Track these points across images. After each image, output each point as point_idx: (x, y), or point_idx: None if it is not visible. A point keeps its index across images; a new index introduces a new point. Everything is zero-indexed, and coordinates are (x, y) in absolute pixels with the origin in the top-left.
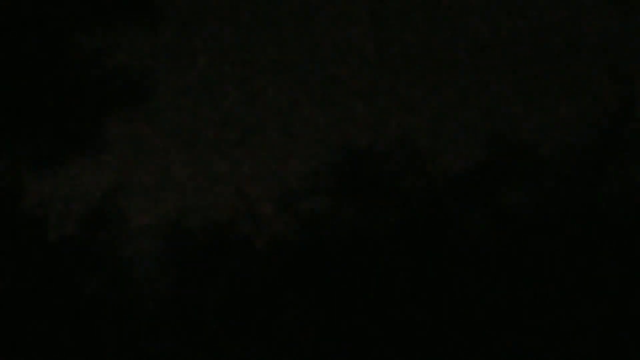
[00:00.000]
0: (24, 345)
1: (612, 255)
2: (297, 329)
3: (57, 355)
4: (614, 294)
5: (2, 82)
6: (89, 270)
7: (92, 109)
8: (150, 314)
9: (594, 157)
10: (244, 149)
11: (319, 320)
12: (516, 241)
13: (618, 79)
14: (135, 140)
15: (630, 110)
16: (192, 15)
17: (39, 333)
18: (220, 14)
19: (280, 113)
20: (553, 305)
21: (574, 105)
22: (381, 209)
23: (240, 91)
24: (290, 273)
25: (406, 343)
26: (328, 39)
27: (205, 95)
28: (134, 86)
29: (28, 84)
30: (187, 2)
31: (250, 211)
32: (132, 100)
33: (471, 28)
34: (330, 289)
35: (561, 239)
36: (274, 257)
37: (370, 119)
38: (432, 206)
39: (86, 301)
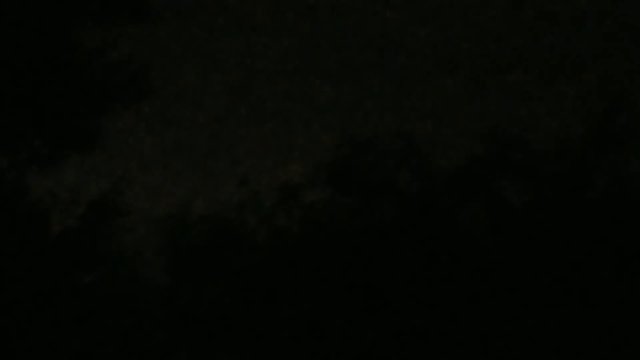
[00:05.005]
0: (25, 333)
1: (606, 247)
2: (295, 323)
3: (55, 344)
4: (608, 287)
5: (3, 80)
6: (89, 262)
7: (94, 105)
8: (148, 307)
9: (586, 151)
10: (245, 143)
11: (315, 314)
12: (513, 234)
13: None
14: (137, 135)
15: (620, 106)
16: (192, 14)
17: (39, 322)
18: (218, 15)
19: (281, 107)
20: (551, 299)
21: (566, 100)
22: (379, 202)
23: (240, 87)
24: (290, 267)
25: (403, 338)
26: (330, 38)
27: (205, 90)
28: (135, 82)
29: (29, 82)
30: (186, 1)
31: (253, 203)
32: (133, 96)
33: (465, 27)
34: (329, 283)
35: (556, 231)
36: (274, 250)
37: (369, 114)
38: (429, 199)
39: (85, 292)
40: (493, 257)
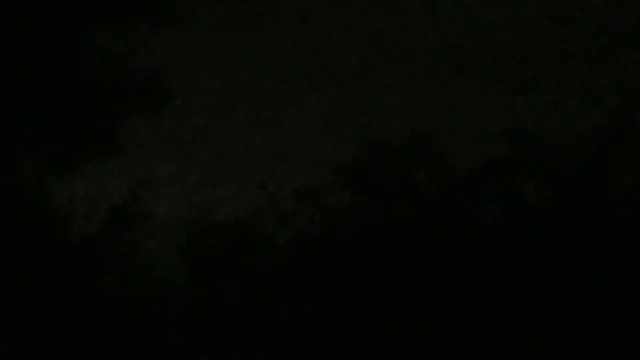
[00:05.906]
0: (42, 338)
1: (626, 246)
2: (315, 326)
3: (76, 347)
4: (629, 287)
5: (22, 84)
6: (110, 267)
7: (113, 108)
8: (167, 311)
9: (605, 148)
10: (263, 147)
11: (336, 317)
12: (532, 232)
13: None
14: (156, 139)
15: (637, 102)
16: (208, 19)
17: (59, 326)
18: (236, 20)
19: (301, 108)
20: (571, 298)
21: (582, 96)
22: (399, 203)
23: (258, 92)
24: (311, 270)
25: (423, 338)
26: (339, 33)
27: (223, 94)
28: (151, 88)
29: (47, 87)
30: (207, 5)
31: (273, 207)
32: (150, 101)
33: (477, 23)
34: (349, 286)
35: (576, 229)
36: (294, 254)
37: (384, 116)
38: (448, 199)
39: (105, 297)
40: (513, 257)
